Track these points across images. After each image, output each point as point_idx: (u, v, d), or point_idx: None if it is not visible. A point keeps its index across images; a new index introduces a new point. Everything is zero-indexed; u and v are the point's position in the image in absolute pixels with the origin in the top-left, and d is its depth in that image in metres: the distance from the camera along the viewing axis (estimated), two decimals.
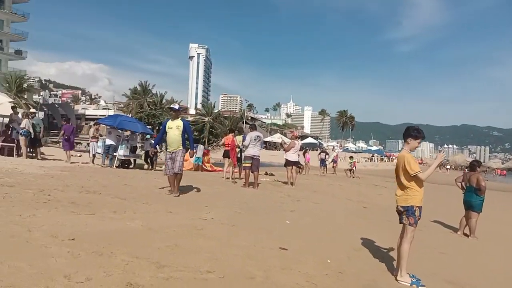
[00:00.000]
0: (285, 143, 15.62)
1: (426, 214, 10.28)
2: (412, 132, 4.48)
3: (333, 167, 26.75)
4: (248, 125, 15.65)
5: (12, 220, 4.57)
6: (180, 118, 8.06)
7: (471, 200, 8.17)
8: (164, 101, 75.85)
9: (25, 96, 60.67)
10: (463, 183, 8.51)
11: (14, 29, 62.71)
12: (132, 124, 15.27)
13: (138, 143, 17.05)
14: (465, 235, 8.28)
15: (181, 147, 7.92)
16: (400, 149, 5.74)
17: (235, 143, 11.99)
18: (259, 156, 10.95)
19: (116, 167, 14.49)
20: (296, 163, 12.80)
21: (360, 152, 73.04)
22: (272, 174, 18.02)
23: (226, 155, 12.81)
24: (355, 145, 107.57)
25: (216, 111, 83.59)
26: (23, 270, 3.13)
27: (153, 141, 15.62)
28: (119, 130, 14.95)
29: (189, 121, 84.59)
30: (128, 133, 15.77)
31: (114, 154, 14.67)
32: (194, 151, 15.87)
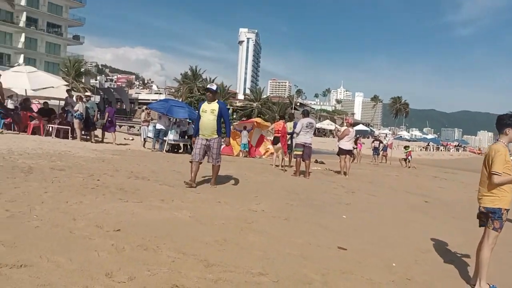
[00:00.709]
0: (338, 130, 14.93)
1: None
2: (509, 120, 3.80)
3: (383, 155, 25.46)
4: (300, 111, 15.11)
5: (58, 207, 4.42)
6: (217, 100, 6.99)
7: None
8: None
9: (83, 80, 63.35)
10: None
11: (72, 15, 65.30)
12: (181, 109, 15.17)
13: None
14: None
15: (216, 135, 6.92)
16: (489, 140, 5.03)
17: (286, 130, 11.53)
18: (311, 144, 10.44)
19: (166, 151, 14.53)
20: (350, 152, 12.17)
21: (415, 141, 70.18)
22: (322, 162, 17.43)
23: (276, 142, 12.39)
24: (408, 133, 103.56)
25: (264, 96, 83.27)
26: (63, 266, 2.89)
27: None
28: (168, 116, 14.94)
29: (238, 106, 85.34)
30: None
31: (164, 138, 14.71)
32: (234, 138, 15.34)
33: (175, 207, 5.19)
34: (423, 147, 62.89)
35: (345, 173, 11.96)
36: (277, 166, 12.19)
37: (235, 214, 5.32)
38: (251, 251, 3.94)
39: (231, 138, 19.97)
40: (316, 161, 17.11)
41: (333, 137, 71.89)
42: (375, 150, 23.30)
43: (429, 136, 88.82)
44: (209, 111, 6.86)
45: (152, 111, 16.86)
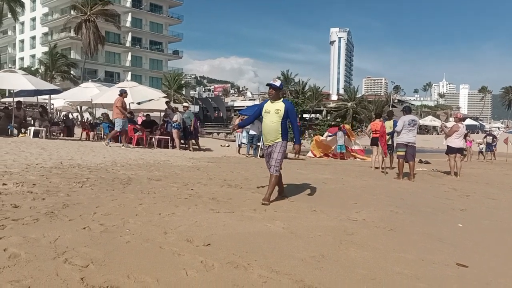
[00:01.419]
0: (446, 126, 13.56)
1: None
2: None
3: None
4: (399, 109, 13.99)
5: (151, 220, 4.38)
6: (282, 99, 5.85)
7: None
8: (307, 87, 76.29)
9: (183, 92, 67.39)
10: None
11: (171, 32, 69.91)
12: None
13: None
14: None
15: (280, 139, 5.72)
16: None
17: (385, 129, 10.67)
18: (414, 143, 9.52)
19: (260, 156, 14.48)
20: (461, 150, 10.89)
21: None
22: (428, 162, 16.04)
23: (374, 142, 11.59)
24: None
25: (359, 95, 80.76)
26: (149, 287, 2.72)
27: None
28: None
29: (331, 107, 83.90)
30: None
31: (258, 144, 14.68)
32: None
33: (268, 217, 4.89)
34: None
35: (456, 174, 10.74)
36: (376, 168, 11.38)
37: (333, 225, 4.85)
38: (353, 269, 3.46)
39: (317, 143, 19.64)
40: (421, 161, 15.79)
41: (437, 134, 66.90)
42: (489, 146, 20.88)
43: None
44: (273, 111, 5.71)
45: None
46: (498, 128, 62.10)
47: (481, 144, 21.93)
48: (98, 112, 25.95)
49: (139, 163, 9.12)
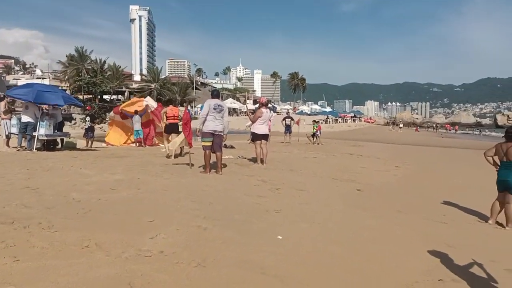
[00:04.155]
0: (251, 111, 13.08)
1: (436, 194, 8.28)
2: None
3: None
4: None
5: None
6: None
7: (509, 180, 6.18)
8: (106, 66, 70.60)
9: None
10: (496, 158, 6.50)
11: None
12: (54, 95, 12.01)
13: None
14: (499, 224, 6.37)
15: None
16: None
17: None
18: (222, 131, 8.38)
19: (37, 149, 11.46)
20: (266, 136, 10.33)
21: (315, 115, 72.09)
22: (232, 147, 15.58)
23: (170, 129, 10.27)
24: (308, 107, 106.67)
25: (163, 76, 79.19)
26: None
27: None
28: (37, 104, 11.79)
29: (134, 88, 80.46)
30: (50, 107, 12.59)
31: (34, 133, 11.57)
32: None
33: (2, 277, 2.82)
34: (323, 120, 64.72)
35: (262, 161, 10.19)
36: (170, 156, 10.24)
37: (114, 273, 3.12)
38: None
39: (115, 126, 16.99)
40: (225, 146, 15.17)
41: (237, 116, 70.71)
42: (287, 128, 22.06)
43: (328, 109, 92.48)
44: None
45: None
46: (288, 110, 69.30)
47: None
48: None
49: None
